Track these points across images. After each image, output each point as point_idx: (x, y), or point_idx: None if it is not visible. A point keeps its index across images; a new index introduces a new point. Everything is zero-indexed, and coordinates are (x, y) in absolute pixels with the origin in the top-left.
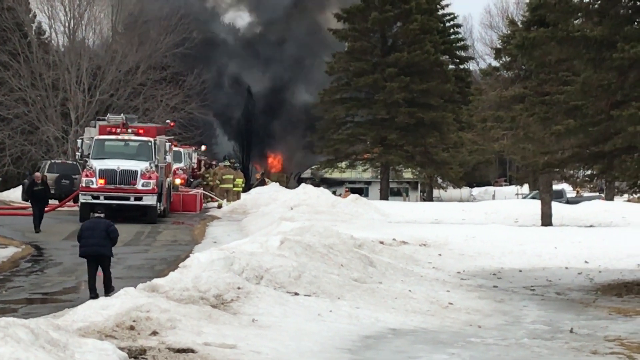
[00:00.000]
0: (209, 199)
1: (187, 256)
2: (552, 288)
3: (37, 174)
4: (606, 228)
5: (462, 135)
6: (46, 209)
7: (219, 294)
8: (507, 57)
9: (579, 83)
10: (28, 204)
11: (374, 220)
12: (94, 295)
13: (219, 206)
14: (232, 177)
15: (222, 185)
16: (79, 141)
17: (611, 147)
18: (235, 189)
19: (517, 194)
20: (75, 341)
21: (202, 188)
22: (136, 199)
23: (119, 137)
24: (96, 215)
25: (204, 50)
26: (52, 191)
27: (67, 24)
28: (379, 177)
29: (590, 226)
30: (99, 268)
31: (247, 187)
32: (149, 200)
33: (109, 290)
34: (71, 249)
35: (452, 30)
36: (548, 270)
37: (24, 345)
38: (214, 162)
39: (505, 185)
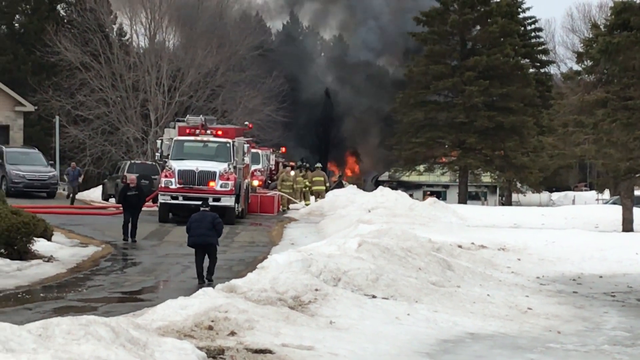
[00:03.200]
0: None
1: (265, 257)
2: (633, 294)
3: (132, 176)
4: None
5: (542, 139)
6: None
7: (296, 296)
8: (589, 61)
9: None
10: (108, 203)
11: (452, 223)
12: (202, 282)
13: (307, 205)
14: (321, 178)
15: (315, 187)
16: (159, 142)
17: None
18: (317, 188)
19: (597, 200)
20: (154, 340)
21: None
22: (214, 199)
23: (198, 138)
24: (202, 209)
25: (283, 53)
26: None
27: (147, 26)
28: (458, 180)
29: None
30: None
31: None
32: (227, 201)
33: (211, 274)
34: (150, 249)
35: (533, 33)
36: (629, 277)
37: (104, 343)
38: (292, 164)
39: (586, 190)
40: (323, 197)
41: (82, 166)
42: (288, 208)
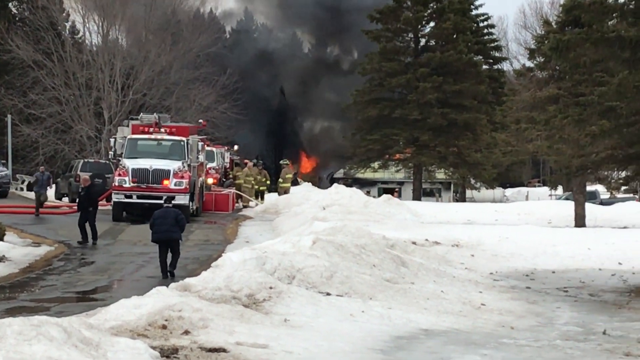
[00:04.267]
0: (240, 200)
1: (220, 256)
2: (585, 289)
3: (84, 176)
4: None
5: (495, 136)
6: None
7: (251, 294)
8: (541, 57)
9: (613, 84)
10: (61, 203)
11: (406, 220)
12: (165, 276)
13: (255, 205)
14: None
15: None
16: (112, 140)
17: None
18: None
19: (550, 195)
20: (107, 340)
21: (234, 188)
22: (169, 198)
23: (152, 136)
24: (165, 205)
25: (237, 50)
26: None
27: (100, 24)
28: (412, 177)
29: (624, 227)
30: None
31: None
32: (182, 199)
33: (174, 268)
34: (104, 248)
35: (485, 30)
36: (581, 272)
37: (56, 343)
38: (245, 162)
39: (539, 186)
40: (288, 192)
41: (35, 165)
42: (247, 205)
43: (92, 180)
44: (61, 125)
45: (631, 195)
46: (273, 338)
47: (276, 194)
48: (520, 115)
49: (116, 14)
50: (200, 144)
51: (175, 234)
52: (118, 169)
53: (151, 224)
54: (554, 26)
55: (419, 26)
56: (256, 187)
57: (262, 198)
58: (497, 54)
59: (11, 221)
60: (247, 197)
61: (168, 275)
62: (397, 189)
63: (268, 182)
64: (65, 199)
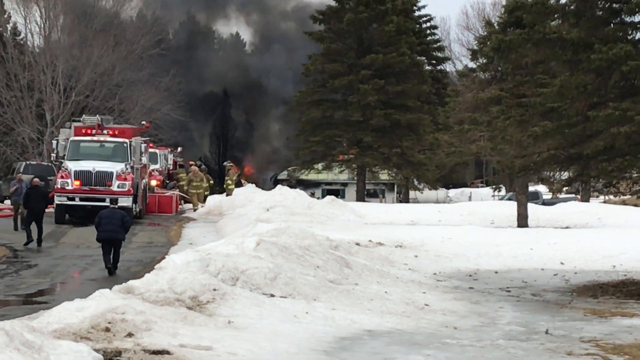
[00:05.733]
0: (183, 201)
1: (163, 258)
2: (527, 289)
3: (35, 178)
4: (582, 229)
5: (438, 136)
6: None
7: (194, 296)
8: (483, 58)
9: (555, 85)
10: (3, 205)
11: (350, 221)
12: (111, 273)
13: (195, 210)
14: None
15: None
16: (54, 142)
17: (589, 149)
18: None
19: (493, 196)
20: (50, 343)
21: (177, 189)
22: (112, 200)
23: (95, 138)
24: (111, 206)
25: (180, 51)
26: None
27: (42, 25)
28: (356, 178)
29: (566, 227)
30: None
31: (222, 190)
32: (125, 201)
33: (115, 268)
34: (46, 251)
35: (428, 31)
36: (524, 272)
37: None
38: (190, 163)
39: (482, 186)
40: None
41: None
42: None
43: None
44: (3, 127)
45: (573, 195)
46: (217, 340)
47: (218, 195)
48: (463, 116)
49: (58, 15)
50: (143, 145)
51: (120, 235)
52: (60, 171)
53: (97, 223)
54: (496, 27)
55: (362, 27)
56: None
57: (204, 200)
58: (440, 55)
59: None
60: (195, 200)
61: (113, 271)
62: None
63: (210, 183)
64: (7, 202)
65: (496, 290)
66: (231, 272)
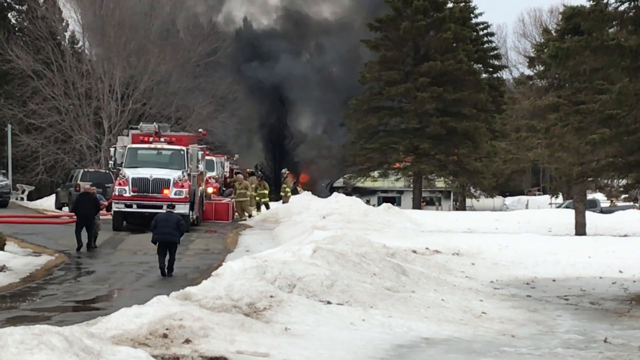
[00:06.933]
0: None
1: (220, 265)
2: (586, 297)
3: (81, 184)
4: None
5: (495, 144)
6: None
7: (251, 303)
8: (540, 66)
9: (614, 92)
10: (61, 212)
11: (406, 229)
12: (164, 274)
13: (250, 216)
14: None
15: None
16: (112, 150)
17: None
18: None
19: (550, 204)
20: (108, 349)
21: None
22: (169, 207)
23: (152, 145)
24: (167, 210)
25: (237, 59)
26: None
27: (100, 33)
28: (412, 186)
29: (625, 236)
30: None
31: (278, 197)
32: (182, 208)
33: (171, 270)
34: (104, 257)
35: (485, 39)
36: (582, 280)
37: (58, 352)
38: (248, 171)
39: (539, 194)
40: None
41: (35, 175)
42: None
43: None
44: (61, 134)
45: (631, 203)
46: (274, 347)
47: (274, 203)
48: (520, 123)
49: (115, 23)
50: (200, 153)
51: (175, 238)
52: (118, 178)
53: (153, 226)
54: (554, 34)
55: (419, 35)
56: (257, 198)
57: (262, 208)
58: (496, 62)
59: (12, 231)
60: (240, 209)
61: (167, 273)
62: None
63: (264, 191)
64: (66, 209)
65: (554, 298)
66: (288, 279)
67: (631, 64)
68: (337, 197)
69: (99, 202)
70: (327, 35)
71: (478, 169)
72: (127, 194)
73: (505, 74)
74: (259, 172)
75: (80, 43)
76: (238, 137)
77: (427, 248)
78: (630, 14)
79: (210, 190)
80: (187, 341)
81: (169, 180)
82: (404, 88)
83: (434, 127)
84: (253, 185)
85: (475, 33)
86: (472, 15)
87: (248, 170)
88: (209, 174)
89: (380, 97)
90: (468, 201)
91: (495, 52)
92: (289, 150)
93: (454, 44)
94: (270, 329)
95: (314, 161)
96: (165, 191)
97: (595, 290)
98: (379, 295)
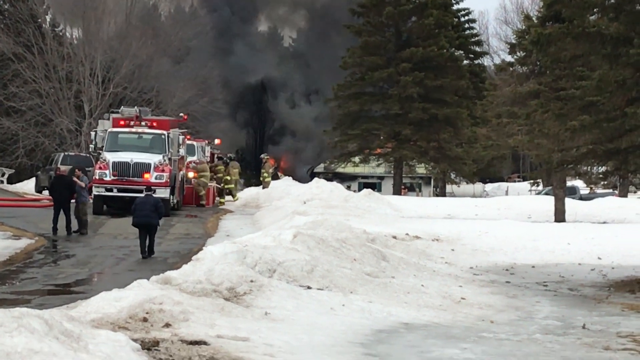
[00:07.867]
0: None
1: (200, 249)
2: (565, 284)
3: (61, 167)
4: (620, 224)
5: (476, 130)
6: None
7: (231, 287)
8: (521, 52)
9: (594, 79)
10: (41, 196)
11: (386, 215)
12: (145, 255)
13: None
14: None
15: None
16: (93, 134)
17: (627, 144)
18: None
19: (530, 190)
20: (88, 332)
21: (215, 182)
22: (147, 190)
23: (133, 129)
24: (146, 193)
25: (219, 44)
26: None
27: (81, 16)
28: (392, 172)
29: (604, 222)
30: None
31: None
32: (162, 193)
33: (152, 252)
34: (84, 241)
35: (467, 25)
36: (561, 266)
37: (37, 335)
38: (229, 155)
39: (519, 181)
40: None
41: (15, 158)
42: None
43: (71, 172)
44: (41, 118)
45: (610, 190)
46: (254, 331)
47: (255, 188)
48: (501, 110)
49: (97, 6)
50: (181, 137)
51: (153, 220)
52: (99, 162)
53: (133, 209)
54: (535, 21)
55: (401, 21)
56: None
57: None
58: (478, 49)
59: None
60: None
61: (147, 255)
62: (404, 187)
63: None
64: (46, 192)
65: (533, 284)
66: (268, 264)
67: (612, 51)
68: (317, 182)
69: (74, 184)
70: (310, 21)
71: (459, 155)
72: (108, 178)
73: (486, 61)
74: (226, 159)
75: (61, 26)
76: (219, 122)
77: (407, 234)
78: (612, 1)
79: (191, 175)
80: (167, 325)
81: (149, 164)
82: (386, 73)
83: (416, 112)
84: (236, 170)
85: (457, 19)
86: (454, 1)
87: (228, 155)
88: (189, 159)
89: (362, 82)
90: (448, 187)
91: (476, 38)
92: (270, 136)
93: (436, 30)
94: (250, 313)
95: (294, 146)
96: (146, 175)
97: (574, 276)
98: (359, 280)
